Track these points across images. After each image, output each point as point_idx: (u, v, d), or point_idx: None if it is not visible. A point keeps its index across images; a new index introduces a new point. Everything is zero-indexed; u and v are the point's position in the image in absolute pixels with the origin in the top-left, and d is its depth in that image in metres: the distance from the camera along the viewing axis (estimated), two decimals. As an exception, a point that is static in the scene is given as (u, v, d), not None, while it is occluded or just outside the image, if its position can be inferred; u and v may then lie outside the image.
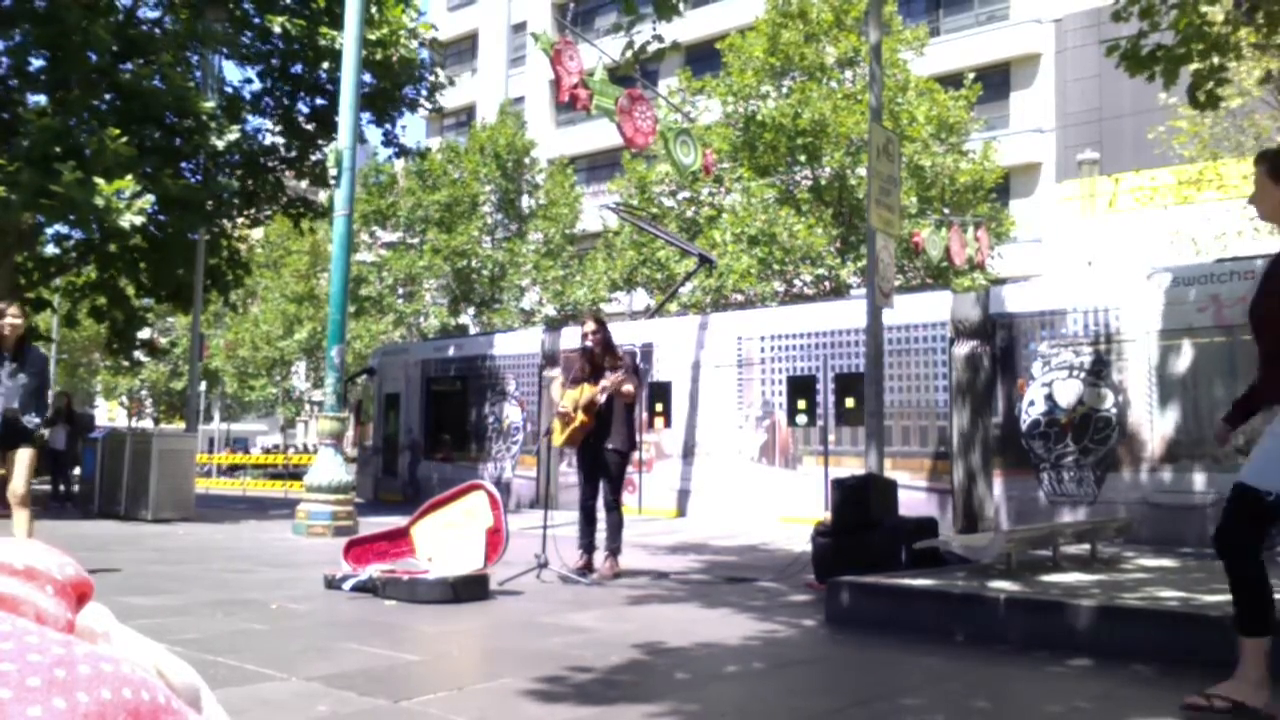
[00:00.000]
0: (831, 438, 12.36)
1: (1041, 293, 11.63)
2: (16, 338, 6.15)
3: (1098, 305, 10.75)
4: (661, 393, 14.18)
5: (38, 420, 6.15)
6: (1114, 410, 10.53)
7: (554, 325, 19.94)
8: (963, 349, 11.65)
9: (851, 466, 11.46)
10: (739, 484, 13.07)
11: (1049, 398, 10.92)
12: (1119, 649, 4.13)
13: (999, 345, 11.35)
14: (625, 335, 13.01)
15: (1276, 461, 3.30)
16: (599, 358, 6.90)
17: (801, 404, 12.06)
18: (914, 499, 10.99)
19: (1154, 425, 10.27)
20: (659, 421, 14.19)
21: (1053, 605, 4.50)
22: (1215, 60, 7.58)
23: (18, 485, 6.03)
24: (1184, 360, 10.13)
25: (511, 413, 16.54)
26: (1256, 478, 3.32)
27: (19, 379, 6.14)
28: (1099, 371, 10.64)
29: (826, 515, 11.79)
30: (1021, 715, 3.39)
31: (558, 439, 6.88)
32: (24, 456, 6.06)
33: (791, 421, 12.11)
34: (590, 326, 6.99)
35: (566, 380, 7.09)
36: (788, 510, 12.63)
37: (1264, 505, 3.31)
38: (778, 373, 13.16)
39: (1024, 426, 11.08)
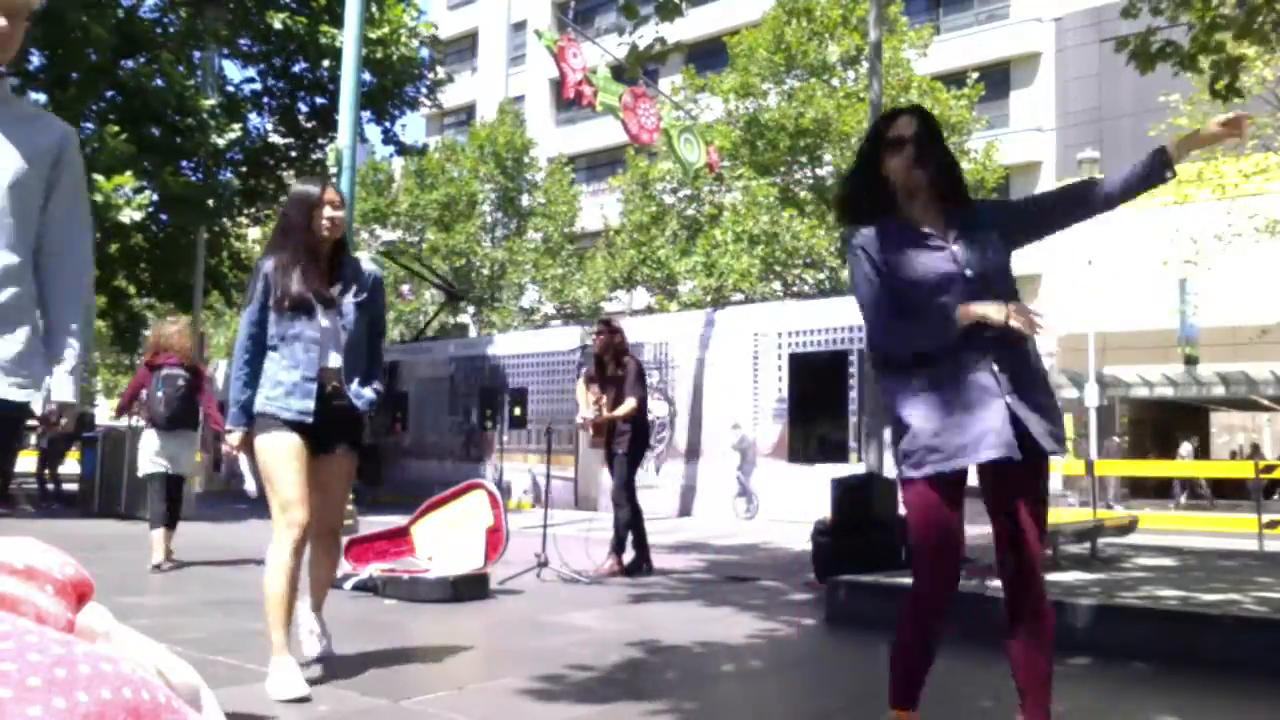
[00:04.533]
0: (505, 438, 16.10)
1: (630, 328, 15.30)
2: (334, 243, 3.65)
3: (658, 340, 15.05)
4: (400, 401, 18.55)
5: (370, 396, 3.64)
6: (668, 417, 14.60)
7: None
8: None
9: (515, 462, 16.24)
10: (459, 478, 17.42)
11: None
12: (1119, 648, 4.13)
13: None
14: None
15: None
16: (605, 361, 7.10)
17: (489, 411, 15.46)
18: (555, 485, 14.18)
19: (687, 428, 14.66)
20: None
21: (1052, 604, 4.49)
22: (1231, 51, 7.50)
23: (331, 510, 3.68)
24: (696, 381, 14.60)
25: None
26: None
27: (341, 317, 3.59)
28: (660, 388, 14.57)
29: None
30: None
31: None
32: (346, 466, 3.68)
33: (483, 426, 15.56)
34: (597, 328, 7.24)
35: (582, 376, 7.38)
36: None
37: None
38: (473, 385, 17.15)
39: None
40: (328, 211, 3.54)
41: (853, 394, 12.89)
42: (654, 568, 7.02)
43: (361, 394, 3.60)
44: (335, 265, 3.63)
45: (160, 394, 7.03)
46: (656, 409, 13.93)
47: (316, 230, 3.55)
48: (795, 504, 12.34)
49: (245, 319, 3.57)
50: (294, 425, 3.45)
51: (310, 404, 3.47)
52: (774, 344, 13.72)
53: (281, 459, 3.43)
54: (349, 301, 3.59)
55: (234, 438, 3.54)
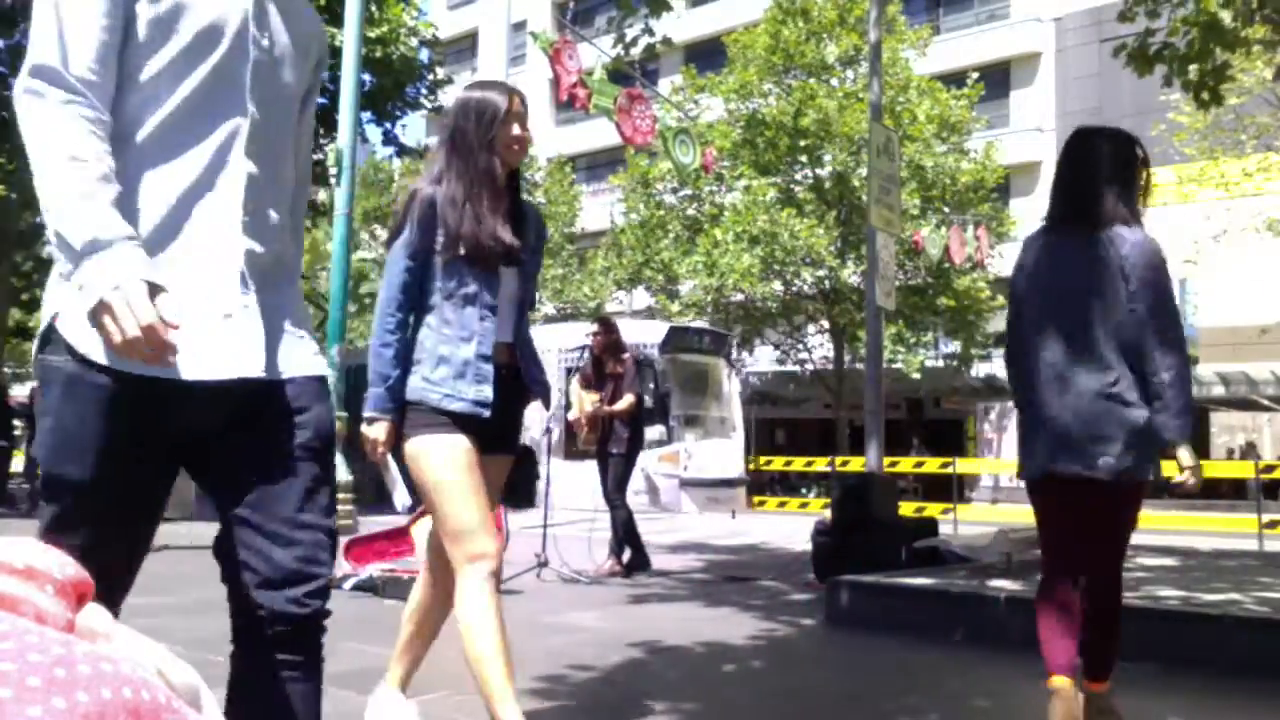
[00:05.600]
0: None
1: None
2: (511, 173, 2.66)
3: None
4: None
5: (548, 382, 2.82)
6: None
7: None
8: None
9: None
10: None
11: None
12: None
13: None
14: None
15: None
16: (603, 359, 7.09)
17: None
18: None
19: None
20: None
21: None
22: (1220, 57, 7.53)
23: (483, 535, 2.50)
24: None
25: None
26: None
27: (522, 275, 2.69)
28: None
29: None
30: (1021, 714, 3.39)
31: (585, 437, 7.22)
32: (501, 474, 2.72)
33: None
34: (594, 328, 7.23)
35: (578, 377, 7.33)
36: None
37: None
38: None
39: None
40: (515, 130, 2.56)
41: None
42: (653, 567, 7.02)
43: (541, 379, 2.70)
44: (516, 200, 2.65)
45: None
46: None
47: (504, 154, 2.56)
48: (569, 494, 13.62)
49: (396, 261, 2.54)
50: (463, 419, 2.49)
51: (489, 391, 2.51)
52: (556, 359, 15.84)
53: (453, 472, 2.47)
54: (529, 256, 2.68)
55: (378, 429, 2.53)
